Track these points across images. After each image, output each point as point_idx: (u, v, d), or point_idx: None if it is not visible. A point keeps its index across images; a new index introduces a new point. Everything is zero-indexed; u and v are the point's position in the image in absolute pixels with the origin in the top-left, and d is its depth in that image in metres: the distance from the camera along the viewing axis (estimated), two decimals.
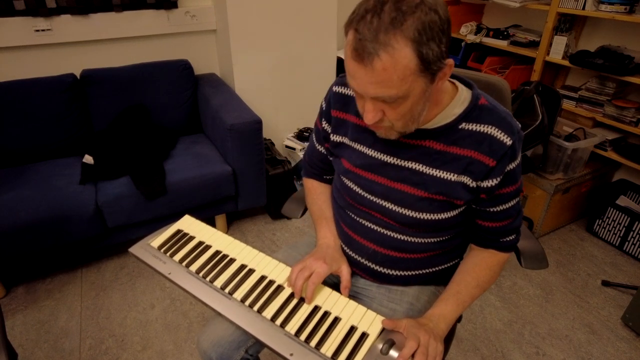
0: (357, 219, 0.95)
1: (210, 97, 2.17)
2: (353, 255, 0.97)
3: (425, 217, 0.85)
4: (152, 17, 2.22)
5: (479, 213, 0.88)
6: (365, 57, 0.64)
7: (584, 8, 1.99)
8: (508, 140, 0.78)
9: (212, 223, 2.26)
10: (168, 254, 0.97)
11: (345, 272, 0.91)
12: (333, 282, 0.95)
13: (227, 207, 2.12)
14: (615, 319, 1.74)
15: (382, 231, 0.91)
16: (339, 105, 0.93)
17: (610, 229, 2.15)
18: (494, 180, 0.80)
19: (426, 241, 0.90)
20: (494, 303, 1.82)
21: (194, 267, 0.93)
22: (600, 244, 2.18)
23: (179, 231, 1.05)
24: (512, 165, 0.81)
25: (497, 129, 0.79)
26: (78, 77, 2.06)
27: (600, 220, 2.18)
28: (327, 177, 1.11)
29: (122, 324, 1.70)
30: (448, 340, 1.02)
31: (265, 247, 2.14)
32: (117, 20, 2.14)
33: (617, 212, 2.08)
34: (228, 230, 2.27)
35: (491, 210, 0.86)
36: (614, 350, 1.61)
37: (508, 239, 0.90)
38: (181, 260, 0.95)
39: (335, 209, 1.03)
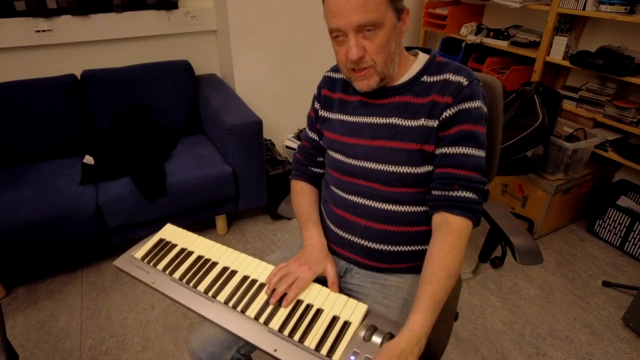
0: (345, 195, 0.98)
1: (210, 98, 2.17)
2: (346, 235, 0.99)
3: (405, 171, 0.90)
4: (152, 17, 2.22)
5: (436, 160, 0.90)
6: None
7: (584, 8, 1.99)
8: (464, 81, 0.87)
9: (212, 223, 2.26)
10: (151, 263, 0.99)
11: (330, 269, 0.92)
12: (317, 278, 0.95)
13: (228, 207, 2.12)
14: (616, 319, 1.74)
15: (369, 204, 0.95)
16: (328, 86, 1.05)
17: (610, 229, 2.15)
18: (449, 111, 0.87)
19: (411, 210, 0.93)
20: (494, 303, 1.82)
21: (177, 274, 0.94)
22: (600, 245, 2.18)
23: (161, 240, 1.06)
24: (467, 105, 0.87)
25: (453, 74, 0.89)
26: (78, 77, 2.06)
27: (601, 221, 2.18)
28: (317, 171, 1.13)
29: (122, 325, 1.70)
30: (445, 338, 1.02)
31: (265, 247, 2.14)
32: (118, 20, 2.15)
33: (618, 212, 2.08)
34: (228, 230, 2.27)
35: (445, 151, 0.88)
36: (614, 350, 1.61)
37: (461, 194, 0.86)
38: (164, 269, 0.96)
39: (325, 191, 1.07)
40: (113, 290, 1.87)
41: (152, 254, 1.01)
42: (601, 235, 2.20)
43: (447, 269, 0.81)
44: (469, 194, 0.87)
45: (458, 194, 0.87)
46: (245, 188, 2.09)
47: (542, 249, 2.16)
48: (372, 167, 0.93)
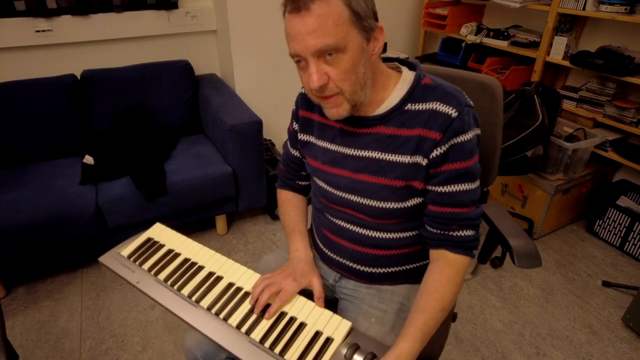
0: (333, 219, 0.96)
1: (210, 98, 2.17)
2: (335, 257, 0.98)
3: (391, 206, 0.86)
4: (152, 17, 2.22)
5: (430, 195, 0.84)
6: (301, 6, 0.71)
7: (584, 8, 1.98)
8: (453, 112, 0.78)
9: (212, 223, 2.26)
10: (137, 262, 0.97)
11: (316, 283, 0.90)
12: (303, 291, 0.93)
13: (228, 207, 2.12)
14: (616, 319, 1.74)
15: (356, 230, 0.92)
16: (305, 106, 0.97)
17: (610, 229, 2.15)
18: (439, 150, 0.79)
19: (399, 236, 0.90)
20: (494, 303, 1.82)
21: (162, 276, 0.93)
22: (600, 245, 2.18)
23: (149, 239, 1.04)
24: (459, 139, 0.79)
25: (441, 104, 0.80)
26: (78, 77, 2.06)
27: (601, 221, 2.18)
28: (302, 183, 1.10)
29: (122, 325, 1.70)
30: (442, 340, 1.02)
31: (265, 247, 2.15)
32: (118, 20, 2.15)
33: (618, 212, 2.08)
34: (228, 230, 2.27)
35: (440, 190, 0.82)
36: (614, 350, 1.61)
37: (461, 234, 0.83)
38: (150, 269, 0.95)
39: (315, 213, 1.04)
40: (113, 290, 1.87)
41: (138, 253, 1.00)
42: (601, 235, 2.20)
43: (441, 302, 0.79)
44: (468, 232, 0.84)
45: (458, 234, 0.84)
46: (245, 188, 2.09)
47: (542, 249, 2.16)
48: (357, 201, 0.88)
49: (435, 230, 0.85)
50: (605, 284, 1.92)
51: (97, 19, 2.10)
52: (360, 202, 0.88)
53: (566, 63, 2.11)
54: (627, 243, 2.09)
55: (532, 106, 1.92)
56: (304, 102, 0.97)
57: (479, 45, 2.50)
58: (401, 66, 0.89)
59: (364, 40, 0.75)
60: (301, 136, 0.99)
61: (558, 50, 2.14)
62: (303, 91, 0.98)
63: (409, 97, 0.83)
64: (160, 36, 2.32)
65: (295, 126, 1.01)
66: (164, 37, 2.33)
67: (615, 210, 2.09)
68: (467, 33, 2.58)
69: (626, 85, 2.04)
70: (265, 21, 2.28)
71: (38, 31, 2.00)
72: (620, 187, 2.22)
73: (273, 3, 2.25)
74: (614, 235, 2.13)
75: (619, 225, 2.10)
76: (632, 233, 2.04)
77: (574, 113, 2.21)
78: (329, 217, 0.97)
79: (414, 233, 0.91)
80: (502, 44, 2.39)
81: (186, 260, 0.97)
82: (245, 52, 2.30)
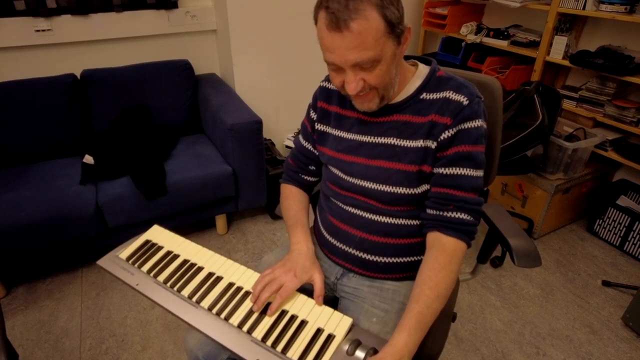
0: (343, 206, 0.98)
1: (210, 97, 2.17)
2: (340, 245, 0.99)
3: (403, 192, 0.89)
4: (152, 17, 2.22)
5: (433, 178, 0.88)
6: (341, 25, 0.73)
7: (584, 8, 1.98)
8: (464, 100, 0.84)
9: (212, 223, 2.26)
10: (136, 265, 0.97)
11: (317, 280, 0.90)
12: (303, 287, 0.93)
13: (228, 207, 2.12)
14: (616, 319, 1.74)
15: (366, 216, 0.94)
16: (324, 98, 1.02)
17: (610, 229, 2.15)
18: (448, 133, 0.84)
19: (408, 223, 0.93)
20: (494, 303, 1.82)
21: (161, 277, 0.92)
22: (600, 244, 2.18)
23: (147, 241, 1.04)
24: (467, 125, 0.84)
25: (454, 93, 0.85)
26: (78, 77, 2.06)
27: (601, 220, 2.18)
28: (308, 179, 1.11)
29: (122, 324, 1.70)
30: (442, 340, 1.02)
31: (265, 247, 2.15)
32: (118, 20, 2.15)
33: (618, 212, 2.08)
34: (228, 230, 2.27)
35: (442, 172, 0.86)
36: (614, 350, 1.61)
37: (455, 216, 0.85)
38: (149, 271, 0.94)
39: (324, 201, 1.06)
40: (113, 289, 1.88)
41: (137, 255, 0.99)
42: (601, 235, 2.20)
43: (436, 290, 0.80)
44: (463, 216, 0.85)
45: (453, 215, 0.85)
46: (245, 188, 2.09)
47: (542, 248, 2.16)
48: (370, 187, 0.91)
49: (432, 212, 0.88)
50: (605, 283, 1.92)
51: (97, 19, 2.10)
52: (373, 187, 0.91)
53: (566, 63, 2.11)
54: (627, 243, 2.09)
55: (532, 106, 1.92)
56: (323, 94, 1.02)
57: (479, 45, 2.50)
58: (416, 61, 0.95)
59: (397, 46, 0.80)
60: (318, 126, 1.02)
61: (558, 49, 2.14)
62: (322, 85, 1.03)
63: (424, 87, 0.89)
64: (160, 36, 2.32)
65: (314, 115, 1.04)
66: (163, 36, 2.33)
67: (615, 210, 2.10)
68: (467, 33, 2.58)
69: (626, 85, 2.04)
70: (265, 21, 2.28)
71: (38, 31, 2.00)
72: (620, 186, 2.22)
73: (273, 3, 2.25)
74: (614, 235, 2.14)
75: (618, 225, 2.10)
76: (632, 233, 2.05)
77: (574, 113, 2.21)
78: (339, 204, 0.99)
79: (420, 222, 0.93)
80: (502, 44, 2.39)
81: (185, 261, 0.97)
82: (245, 52, 2.30)
